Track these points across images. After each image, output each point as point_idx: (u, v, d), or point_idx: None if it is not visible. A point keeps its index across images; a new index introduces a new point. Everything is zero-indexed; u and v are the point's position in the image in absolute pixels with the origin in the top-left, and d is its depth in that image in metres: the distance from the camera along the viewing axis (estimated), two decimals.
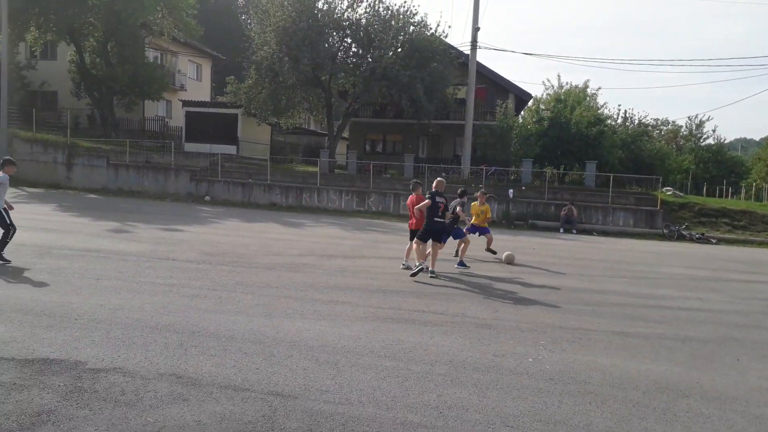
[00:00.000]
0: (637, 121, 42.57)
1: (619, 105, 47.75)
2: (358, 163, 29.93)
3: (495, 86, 33.50)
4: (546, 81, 47.44)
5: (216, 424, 4.00)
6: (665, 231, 22.98)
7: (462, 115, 30.61)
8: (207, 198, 26.34)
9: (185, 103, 34.06)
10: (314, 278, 9.42)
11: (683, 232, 22.90)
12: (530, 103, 34.31)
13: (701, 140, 62.47)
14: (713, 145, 61.57)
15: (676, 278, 12.41)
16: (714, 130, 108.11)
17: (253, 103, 29.59)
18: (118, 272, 8.85)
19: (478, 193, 14.04)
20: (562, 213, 23.85)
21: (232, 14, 56.62)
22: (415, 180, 11.89)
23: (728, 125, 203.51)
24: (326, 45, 28.11)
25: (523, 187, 26.96)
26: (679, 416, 4.67)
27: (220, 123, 32.76)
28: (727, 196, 43.43)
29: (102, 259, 9.94)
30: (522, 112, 35.16)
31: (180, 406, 4.25)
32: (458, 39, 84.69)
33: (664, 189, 29.35)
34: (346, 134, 37.78)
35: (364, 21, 28.23)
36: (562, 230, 23.14)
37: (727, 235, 23.36)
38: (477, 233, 13.71)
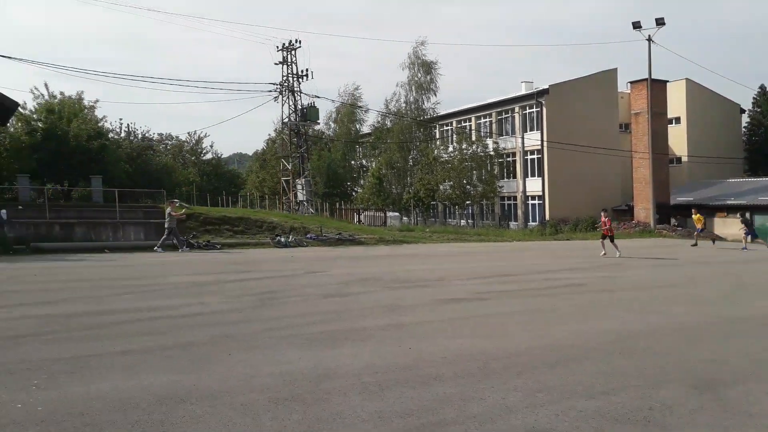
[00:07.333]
0: (140, 136, 43.14)
1: (121, 119, 47.35)
2: None
3: None
4: (35, 89, 42.61)
5: None
6: (174, 241, 23.99)
7: None
8: None
9: None
10: None
11: (191, 241, 24.34)
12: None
13: (202, 155, 67.71)
14: (213, 159, 67.59)
15: (181, 286, 13.08)
16: (212, 146, 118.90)
17: None
18: None
19: None
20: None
21: None
22: None
23: (225, 141, 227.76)
24: None
25: (20, 207, 23.97)
26: (176, 423, 4.92)
27: None
28: (228, 205, 48.25)
29: None
30: (12, 122, 31.12)
31: None
32: None
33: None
34: None
35: None
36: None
37: (229, 240, 25.95)
38: None
